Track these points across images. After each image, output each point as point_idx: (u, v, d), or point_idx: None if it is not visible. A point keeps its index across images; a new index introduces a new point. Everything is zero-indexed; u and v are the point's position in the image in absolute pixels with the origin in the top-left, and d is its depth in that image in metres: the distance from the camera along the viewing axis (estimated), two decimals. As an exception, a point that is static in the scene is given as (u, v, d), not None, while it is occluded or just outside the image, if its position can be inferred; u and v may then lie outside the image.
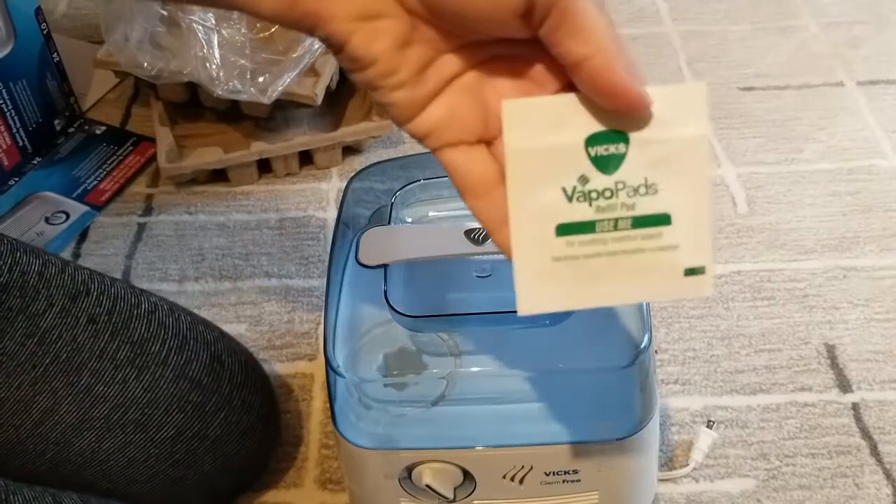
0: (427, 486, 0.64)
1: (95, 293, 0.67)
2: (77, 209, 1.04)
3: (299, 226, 1.02)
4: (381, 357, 0.63)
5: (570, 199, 0.40)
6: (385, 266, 0.64)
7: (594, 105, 0.39)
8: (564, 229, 0.40)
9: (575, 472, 0.65)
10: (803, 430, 0.81)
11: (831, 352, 0.88)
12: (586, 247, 0.41)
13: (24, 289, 0.64)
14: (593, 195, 0.40)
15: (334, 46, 0.40)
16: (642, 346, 0.61)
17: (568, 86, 0.41)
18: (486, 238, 0.64)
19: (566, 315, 0.62)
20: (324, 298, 0.66)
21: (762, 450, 0.80)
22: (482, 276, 0.66)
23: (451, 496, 0.66)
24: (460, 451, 0.64)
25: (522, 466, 0.64)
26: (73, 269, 0.68)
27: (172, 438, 0.67)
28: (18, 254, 0.65)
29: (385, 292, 0.63)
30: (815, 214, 1.02)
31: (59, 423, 0.63)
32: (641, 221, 0.40)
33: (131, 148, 1.12)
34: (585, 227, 0.40)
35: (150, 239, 1.01)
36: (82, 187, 1.06)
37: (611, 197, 0.40)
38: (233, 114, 1.10)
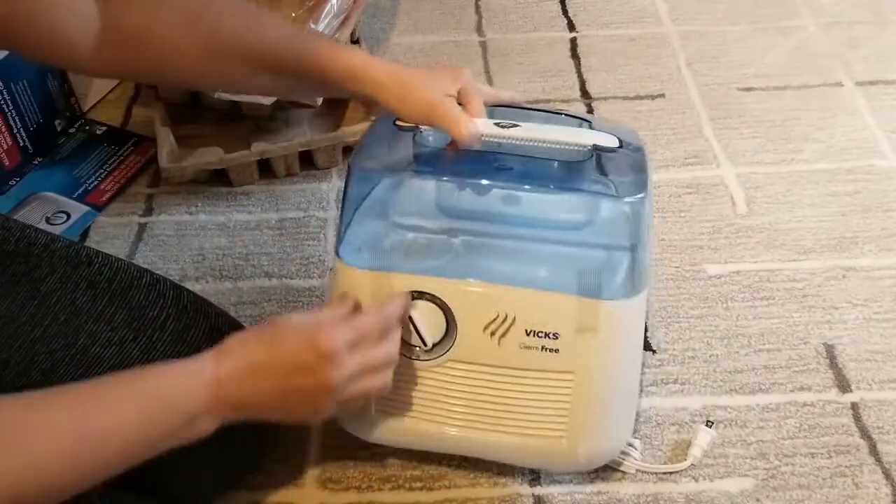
0: (410, 318, 0.66)
1: (98, 265, 0.70)
2: (78, 209, 1.04)
3: (299, 226, 1.02)
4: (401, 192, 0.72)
5: None
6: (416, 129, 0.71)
7: None
8: None
9: (555, 336, 0.66)
10: (802, 429, 0.81)
11: (830, 351, 0.88)
12: None
13: (28, 256, 0.68)
14: None
15: None
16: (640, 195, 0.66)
17: None
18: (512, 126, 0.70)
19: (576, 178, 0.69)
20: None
21: (761, 449, 0.80)
22: (503, 168, 0.70)
23: (429, 341, 0.67)
24: (450, 282, 0.66)
25: (505, 317, 0.66)
26: (79, 245, 0.72)
27: None
28: (28, 230, 0.70)
29: (414, 136, 0.70)
30: (815, 214, 1.02)
31: (57, 384, 0.65)
32: None
33: (132, 148, 1.12)
34: None
35: (150, 239, 1.01)
36: (83, 187, 1.07)
37: None
38: (233, 114, 1.10)
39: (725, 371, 0.86)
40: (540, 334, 0.66)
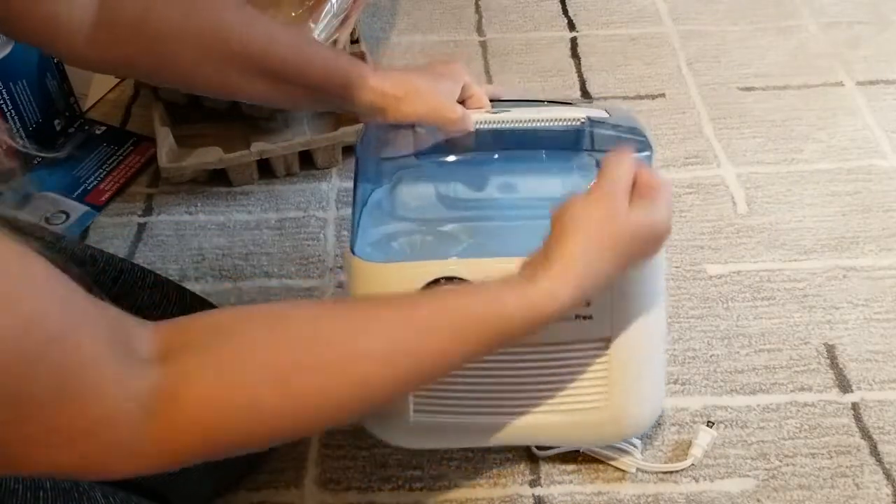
0: None
1: (102, 264, 0.70)
2: (77, 209, 1.04)
3: (299, 226, 1.02)
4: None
5: None
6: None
7: None
8: None
9: (587, 302, 0.66)
10: (803, 429, 0.81)
11: (831, 352, 0.88)
12: None
13: None
14: None
15: None
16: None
17: None
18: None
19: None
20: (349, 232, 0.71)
21: (762, 450, 0.80)
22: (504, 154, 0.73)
23: None
24: (474, 262, 0.66)
25: None
26: (84, 245, 0.73)
27: None
28: (33, 229, 0.71)
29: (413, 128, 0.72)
30: (815, 214, 1.02)
31: None
32: None
33: (131, 148, 1.12)
34: None
35: (150, 239, 1.01)
36: (82, 187, 1.07)
37: None
38: (233, 114, 1.10)
39: (726, 371, 0.86)
40: None
